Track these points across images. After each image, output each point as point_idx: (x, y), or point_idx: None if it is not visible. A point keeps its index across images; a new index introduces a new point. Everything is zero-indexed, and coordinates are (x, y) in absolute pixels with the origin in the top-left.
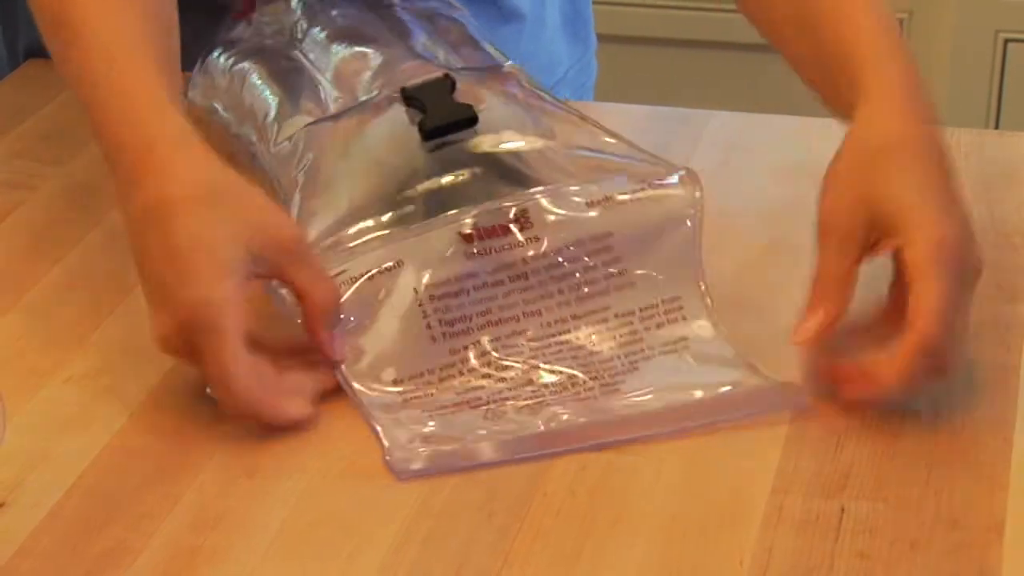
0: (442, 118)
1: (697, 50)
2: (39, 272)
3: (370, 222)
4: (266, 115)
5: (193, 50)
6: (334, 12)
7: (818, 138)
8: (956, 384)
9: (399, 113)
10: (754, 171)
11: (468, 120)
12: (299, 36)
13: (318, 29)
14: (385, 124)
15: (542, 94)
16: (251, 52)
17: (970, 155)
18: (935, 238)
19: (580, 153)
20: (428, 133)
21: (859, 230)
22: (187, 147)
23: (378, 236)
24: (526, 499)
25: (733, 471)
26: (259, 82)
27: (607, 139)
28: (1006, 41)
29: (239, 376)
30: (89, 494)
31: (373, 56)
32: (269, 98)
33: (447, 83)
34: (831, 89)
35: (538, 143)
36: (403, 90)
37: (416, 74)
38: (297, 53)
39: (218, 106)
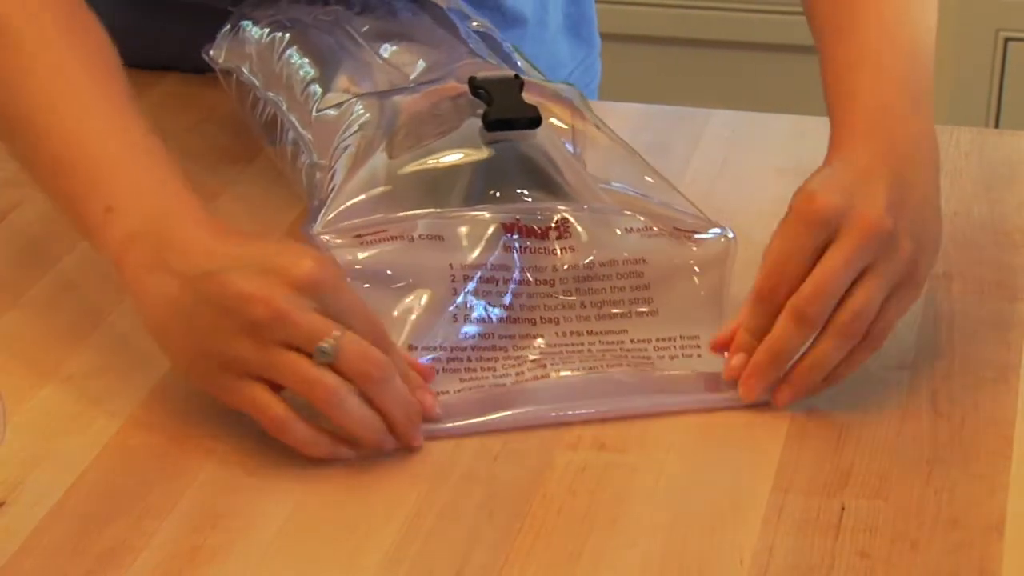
0: (507, 113)
1: (699, 49)
2: (39, 271)
3: (413, 195)
4: (307, 83)
5: (192, 51)
6: (376, 6)
7: (818, 137)
8: (956, 382)
9: (459, 100)
10: (754, 170)
11: (532, 120)
12: (346, 19)
13: (361, 22)
14: (442, 108)
15: (591, 118)
16: (289, 25)
17: (970, 154)
18: (863, 225)
19: (617, 187)
20: (491, 124)
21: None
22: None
23: (421, 212)
24: (527, 498)
25: (733, 470)
26: (297, 55)
27: (648, 178)
28: (1006, 40)
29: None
30: (90, 493)
31: (425, 54)
32: (310, 68)
33: (516, 83)
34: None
35: (581, 171)
36: (472, 79)
37: (476, 70)
38: (342, 32)
39: (244, 68)
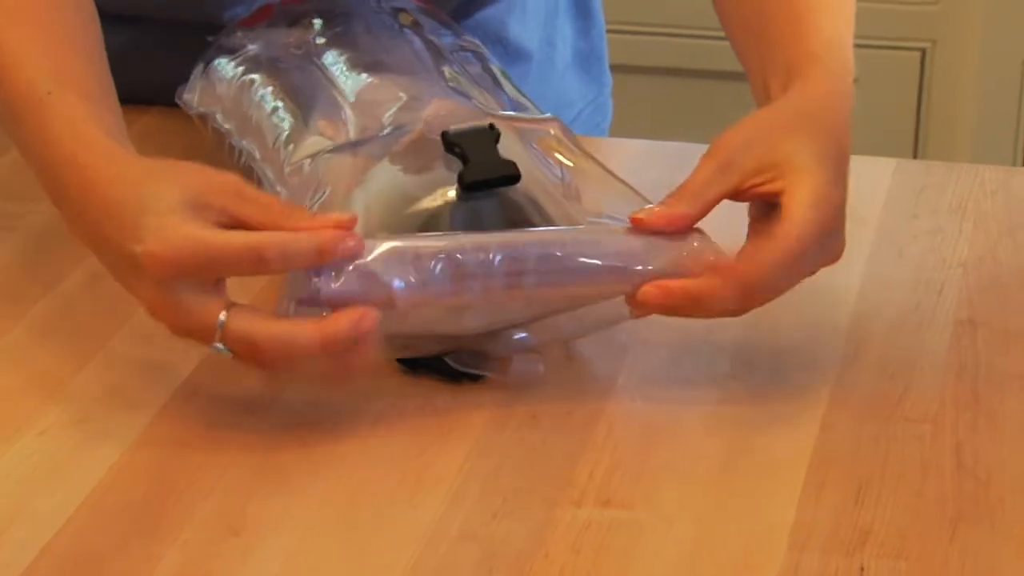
0: (485, 173)
1: (710, 81)
2: (13, 317)
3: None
4: (277, 136)
5: (176, 83)
6: (355, 32)
7: None
8: (982, 436)
9: (430, 152)
10: None
11: (510, 178)
12: (316, 52)
13: (337, 52)
14: (414, 162)
15: (577, 150)
16: (261, 63)
17: (996, 193)
18: (818, 193)
19: (606, 221)
20: (468, 186)
21: (746, 165)
22: (113, 152)
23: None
24: (528, 558)
25: (746, 526)
26: (270, 98)
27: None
28: None
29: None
30: (66, 553)
31: (400, 88)
32: (281, 117)
33: (492, 134)
34: (763, 60)
35: (567, 205)
36: (444, 134)
37: (450, 114)
38: (314, 68)
39: (218, 115)
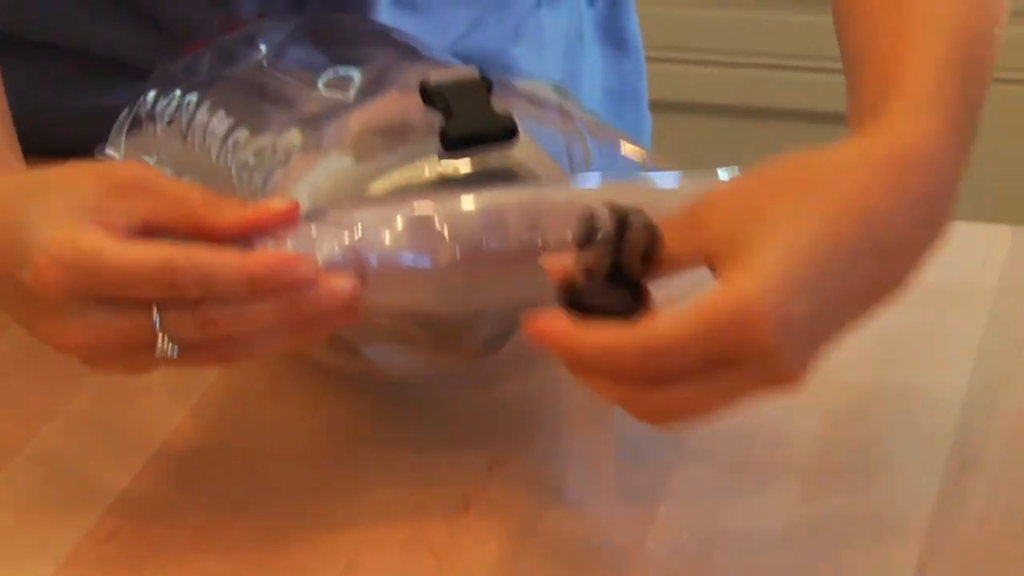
0: (473, 126)
1: (764, 121)
2: None
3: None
4: (228, 132)
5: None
6: (313, 39)
7: None
8: None
9: (408, 108)
10: None
11: (506, 133)
12: (266, 64)
13: (292, 60)
14: (394, 124)
15: (585, 116)
16: (201, 85)
17: None
18: (749, 291)
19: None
20: (452, 142)
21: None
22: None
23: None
24: None
25: None
26: (211, 107)
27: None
28: None
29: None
30: None
31: (364, 64)
32: (227, 117)
33: (483, 85)
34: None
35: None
36: (423, 84)
37: (427, 71)
38: (263, 74)
39: (149, 159)
